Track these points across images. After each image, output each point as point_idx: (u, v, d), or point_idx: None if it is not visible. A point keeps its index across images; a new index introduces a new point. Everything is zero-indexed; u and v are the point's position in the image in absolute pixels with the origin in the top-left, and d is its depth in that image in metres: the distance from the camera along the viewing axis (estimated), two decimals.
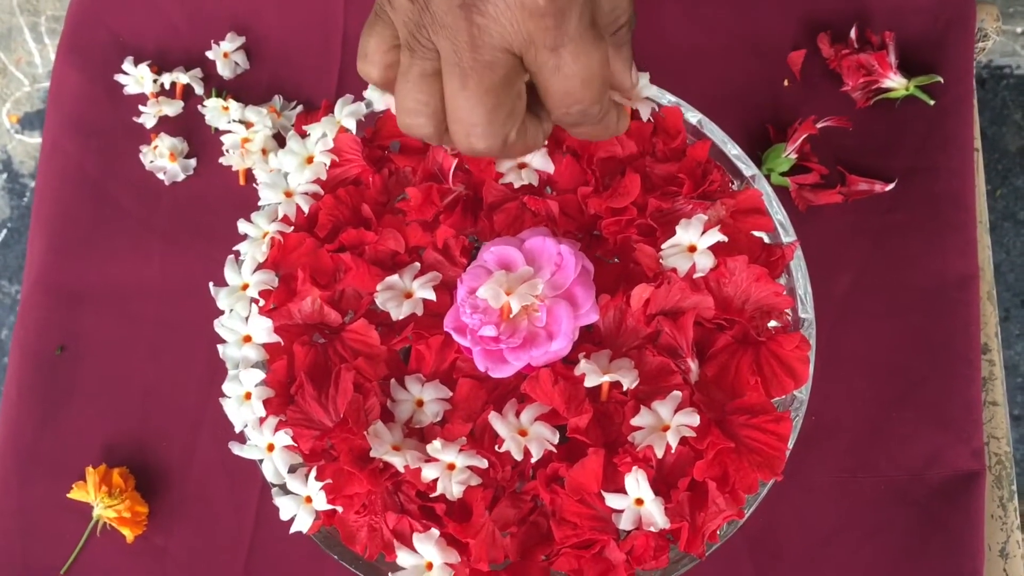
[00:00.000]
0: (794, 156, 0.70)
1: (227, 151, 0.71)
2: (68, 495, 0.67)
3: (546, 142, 0.55)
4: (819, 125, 0.70)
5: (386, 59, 0.48)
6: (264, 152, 0.71)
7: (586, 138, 0.53)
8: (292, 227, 0.58)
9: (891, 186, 0.70)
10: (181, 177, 0.74)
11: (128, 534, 0.67)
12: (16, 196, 1.54)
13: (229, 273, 0.57)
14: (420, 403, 0.55)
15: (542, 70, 0.45)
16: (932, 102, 0.71)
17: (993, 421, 0.69)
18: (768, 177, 0.70)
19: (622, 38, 0.50)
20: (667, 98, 0.59)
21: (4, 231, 1.53)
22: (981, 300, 0.69)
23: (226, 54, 0.75)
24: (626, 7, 0.49)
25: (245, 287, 0.57)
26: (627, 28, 0.50)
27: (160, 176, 0.74)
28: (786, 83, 0.73)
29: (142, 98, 0.75)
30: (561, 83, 0.45)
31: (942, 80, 0.71)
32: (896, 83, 0.71)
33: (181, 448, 0.69)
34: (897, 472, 0.67)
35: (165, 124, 0.75)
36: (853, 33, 0.72)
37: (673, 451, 0.51)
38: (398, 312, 0.55)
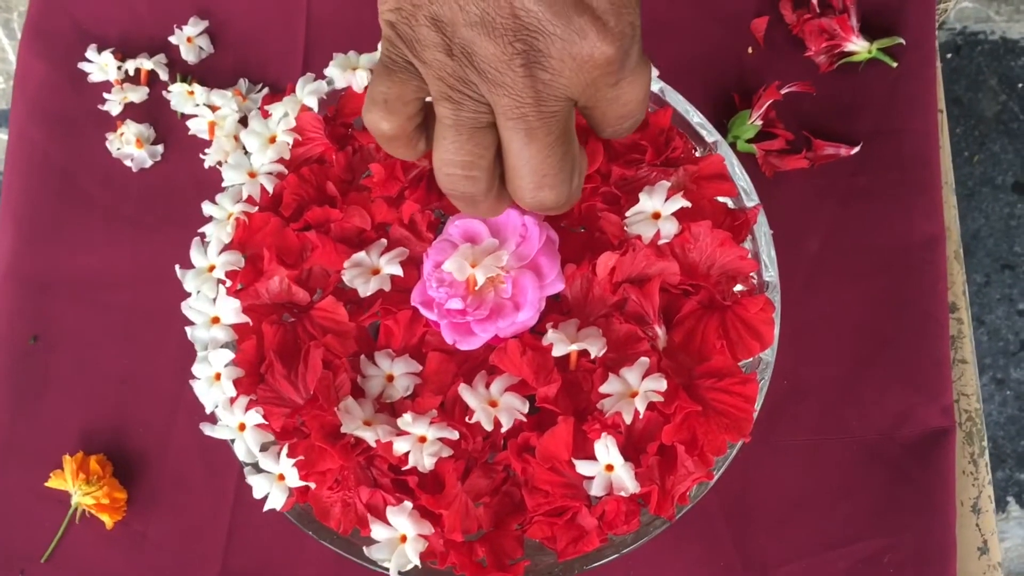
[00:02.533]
0: (759, 123, 0.70)
1: (205, 153, 0.70)
2: (46, 484, 0.67)
3: None
4: (783, 91, 0.70)
5: (409, 110, 0.45)
6: (236, 139, 0.71)
7: (623, 138, 0.52)
8: (257, 207, 0.58)
9: (856, 149, 0.70)
10: (148, 163, 0.73)
11: (107, 520, 0.67)
12: None
13: (195, 255, 0.57)
14: (390, 378, 0.55)
15: (600, 103, 0.44)
16: (895, 64, 0.72)
17: (963, 379, 0.70)
18: (734, 144, 0.71)
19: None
20: None
21: None
22: (948, 259, 0.70)
23: (190, 39, 0.75)
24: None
25: (211, 269, 0.57)
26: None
27: (127, 163, 0.73)
28: (750, 50, 0.73)
29: (107, 85, 0.75)
30: (620, 109, 0.44)
31: (904, 42, 0.71)
32: (858, 46, 0.71)
33: (158, 433, 0.69)
34: (868, 432, 0.67)
35: (131, 111, 0.75)
36: None
37: (641, 416, 0.51)
38: (366, 289, 0.55)
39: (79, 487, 0.66)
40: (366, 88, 0.60)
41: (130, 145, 0.73)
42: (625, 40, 0.41)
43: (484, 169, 0.44)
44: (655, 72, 0.58)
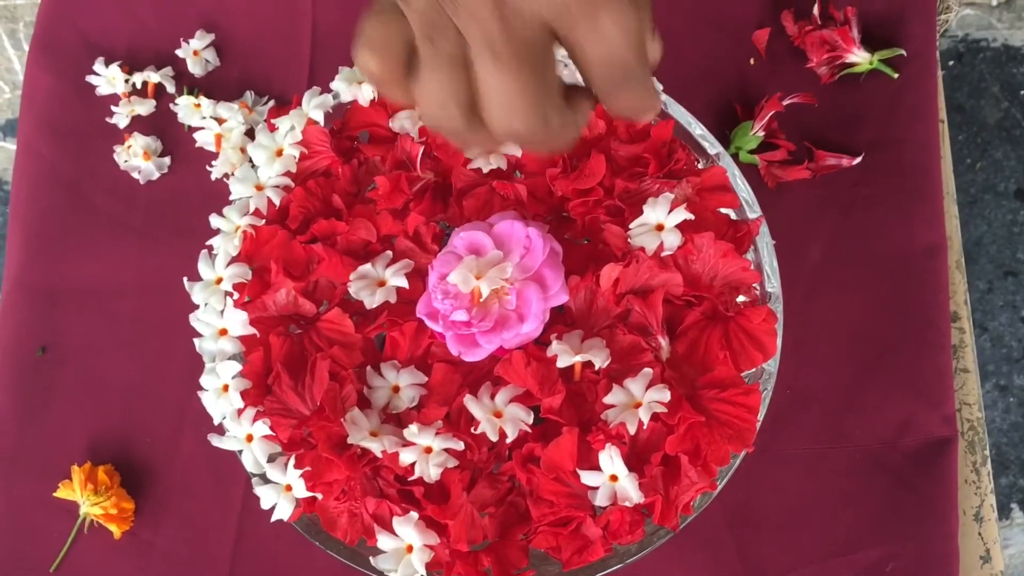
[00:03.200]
0: (762, 134, 0.71)
1: (212, 165, 0.71)
2: (55, 494, 0.68)
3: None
4: (785, 102, 0.70)
5: (394, 49, 0.44)
6: (242, 151, 0.72)
7: (630, 114, 0.47)
8: (264, 220, 0.59)
9: (858, 160, 0.71)
10: (156, 176, 0.74)
11: (115, 530, 0.68)
12: (1, 203, 1.54)
13: (203, 267, 0.58)
14: (396, 389, 0.56)
15: (580, 40, 0.42)
16: (896, 75, 0.72)
17: (965, 388, 0.70)
18: (736, 155, 0.71)
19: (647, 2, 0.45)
20: None
21: None
22: (949, 269, 0.70)
23: (196, 52, 0.76)
24: None
25: (219, 281, 0.57)
26: None
27: (135, 175, 0.74)
28: (752, 61, 0.74)
29: (114, 98, 0.76)
30: (602, 49, 0.42)
31: (905, 53, 0.72)
32: (860, 58, 0.72)
33: (165, 444, 0.70)
34: (871, 441, 0.68)
35: (138, 123, 0.76)
36: (816, 10, 0.73)
37: (645, 427, 0.52)
38: (372, 300, 0.56)
39: (87, 497, 0.67)
40: (371, 102, 0.61)
41: (137, 157, 0.74)
42: None
43: (460, 104, 0.43)
44: (658, 85, 0.59)
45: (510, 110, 0.42)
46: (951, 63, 1.52)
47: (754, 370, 0.56)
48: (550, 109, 0.43)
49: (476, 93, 0.43)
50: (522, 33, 0.41)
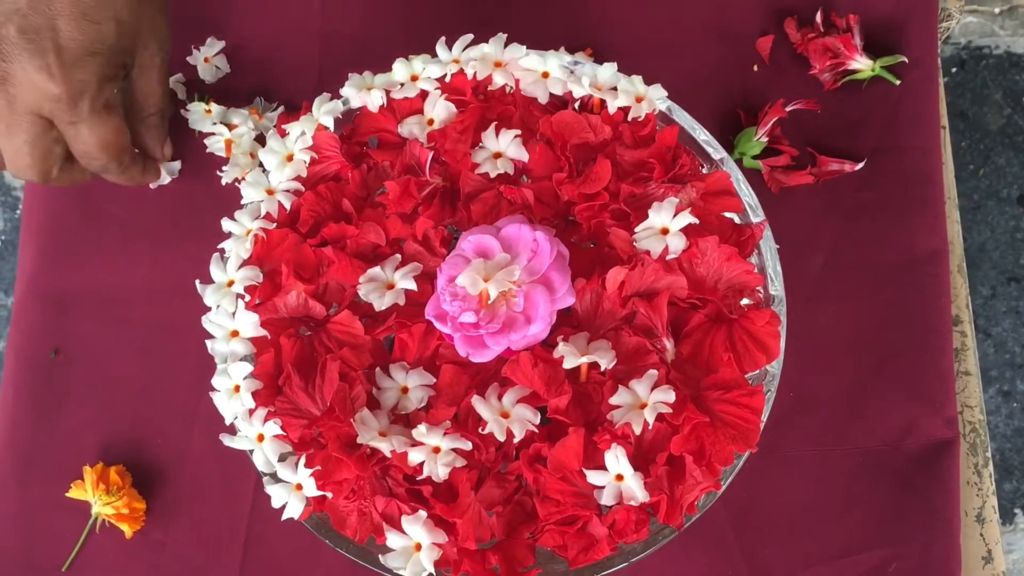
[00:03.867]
0: (765, 139, 0.71)
1: (223, 170, 0.72)
2: (67, 494, 0.69)
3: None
4: (788, 108, 0.71)
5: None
6: (252, 156, 0.72)
7: (117, 182, 0.67)
8: (275, 224, 0.60)
9: (860, 165, 0.72)
10: (167, 180, 0.75)
11: (127, 530, 0.69)
12: (9, 209, 1.55)
13: (215, 270, 0.59)
14: (405, 390, 0.56)
15: (66, 137, 0.60)
16: (898, 82, 0.73)
17: (966, 391, 0.71)
18: (740, 161, 0.72)
19: (153, 122, 0.67)
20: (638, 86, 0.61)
21: None
22: (951, 273, 0.71)
23: (207, 59, 0.77)
24: (156, 100, 0.66)
25: (231, 283, 0.58)
26: (159, 116, 0.67)
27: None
28: (755, 68, 0.75)
29: None
30: (81, 147, 0.60)
31: (907, 60, 0.73)
32: (862, 64, 0.73)
33: (176, 444, 0.71)
34: (874, 443, 0.68)
35: None
36: (819, 17, 0.73)
37: (651, 427, 0.53)
38: (381, 303, 0.57)
39: (99, 497, 0.68)
40: (380, 107, 0.62)
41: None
42: (72, 88, 0.58)
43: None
44: (663, 92, 0.60)
45: (16, 168, 0.61)
46: (954, 70, 1.53)
47: (758, 372, 0.57)
48: (51, 167, 0.61)
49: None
50: (23, 117, 0.59)
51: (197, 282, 0.58)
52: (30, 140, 0.59)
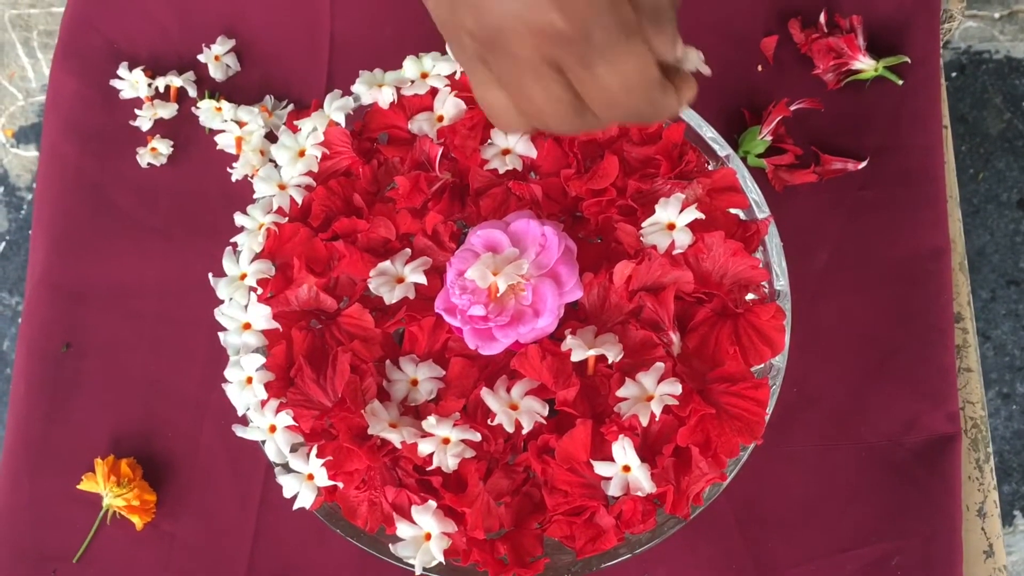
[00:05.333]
0: (769, 138, 0.72)
1: (233, 167, 0.73)
2: (78, 486, 0.69)
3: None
4: (792, 107, 0.72)
5: (511, 114, 0.47)
6: (262, 153, 0.73)
7: (644, 124, 0.52)
8: (287, 218, 0.60)
9: (863, 164, 0.72)
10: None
11: (137, 522, 0.69)
12: (14, 209, 1.55)
13: (227, 264, 0.60)
14: (415, 382, 0.57)
15: (581, 86, 0.43)
16: (900, 82, 0.74)
17: (968, 387, 0.71)
18: (745, 159, 0.73)
19: (662, 15, 0.44)
20: None
21: (3, 244, 1.54)
22: (953, 271, 0.72)
23: (217, 57, 0.78)
24: None
25: (243, 277, 0.59)
26: (669, 9, 0.45)
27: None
28: (760, 68, 0.75)
29: (137, 102, 0.77)
30: (602, 94, 0.43)
31: (909, 61, 0.74)
32: (865, 65, 0.73)
33: (186, 437, 0.71)
34: (876, 438, 0.69)
35: (160, 126, 0.77)
36: (822, 18, 0.74)
37: (657, 419, 0.53)
38: (391, 296, 0.57)
39: (110, 489, 0.68)
40: (391, 104, 0.63)
41: (161, 159, 0.75)
42: (577, 14, 0.40)
43: (505, 114, 0.47)
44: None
45: (535, 118, 0.45)
46: (954, 75, 1.54)
47: (763, 365, 0.58)
48: (566, 112, 0.45)
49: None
50: (529, 70, 0.43)
51: (210, 275, 0.59)
52: (554, 97, 0.44)
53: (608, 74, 0.42)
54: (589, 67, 0.42)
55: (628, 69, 0.43)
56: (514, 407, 0.55)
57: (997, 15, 1.56)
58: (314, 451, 0.56)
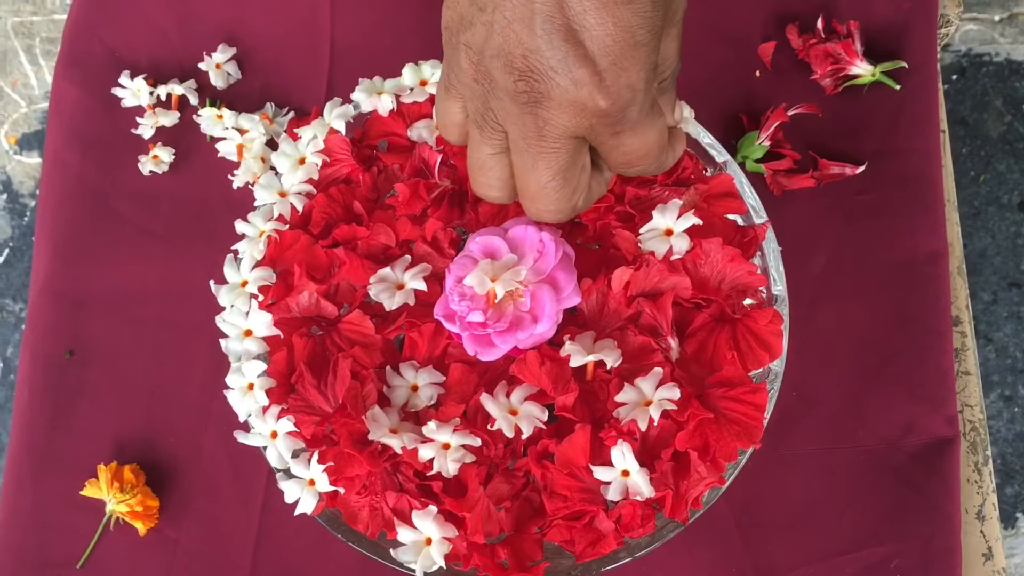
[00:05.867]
0: (767, 143, 0.73)
1: (234, 174, 0.73)
2: (81, 492, 0.70)
3: None
4: (790, 112, 0.72)
5: (462, 128, 0.52)
6: (263, 160, 0.74)
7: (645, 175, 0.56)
8: (287, 225, 0.61)
9: (861, 169, 0.73)
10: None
11: (140, 527, 0.70)
12: (16, 216, 1.56)
13: (228, 271, 0.60)
14: (415, 388, 0.57)
15: (603, 148, 0.49)
16: (898, 87, 0.74)
17: (967, 390, 0.72)
18: (743, 164, 0.73)
19: (666, 86, 0.52)
20: None
21: (6, 250, 1.55)
22: (951, 275, 0.72)
23: (218, 65, 0.78)
24: (672, 62, 0.50)
25: (244, 284, 0.59)
26: (671, 78, 0.52)
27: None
28: (757, 74, 0.76)
29: (139, 110, 0.78)
30: (621, 157, 0.49)
31: (907, 65, 0.74)
32: (863, 70, 0.74)
33: (188, 443, 0.72)
34: (875, 441, 0.69)
35: (162, 134, 0.78)
36: (820, 23, 0.75)
37: (656, 424, 0.53)
38: (391, 303, 0.58)
39: (113, 495, 0.69)
40: (390, 112, 0.63)
41: (163, 166, 0.76)
42: (621, 98, 0.45)
43: (500, 188, 0.51)
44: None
45: (541, 206, 0.50)
46: (954, 77, 1.54)
47: (761, 370, 0.58)
48: (577, 200, 0.51)
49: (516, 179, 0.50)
50: (556, 144, 0.47)
51: (212, 282, 0.60)
52: (561, 171, 0.48)
53: (633, 142, 0.48)
54: (618, 137, 0.48)
55: (650, 138, 0.48)
56: (513, 412, 0.55)
57: (997, 18, 1.56)
58: (315, 457, 0.56)
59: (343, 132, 0.63)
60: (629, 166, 0.50)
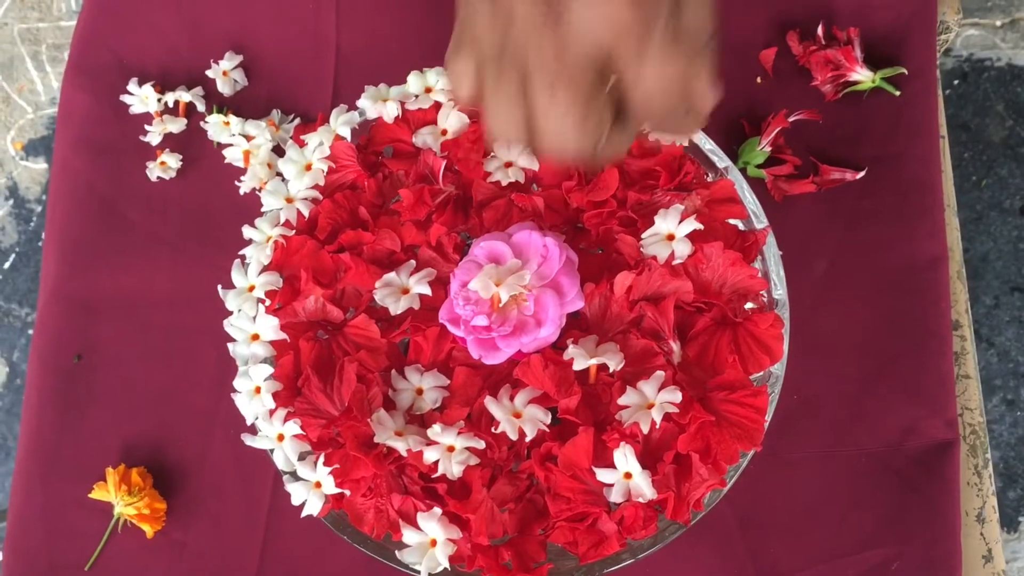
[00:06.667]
0: (768, 149, 0.73)
1: (241, 180, 0.74)
2: (90, 495, 0.70)
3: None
4: (791, 119, 0.73)
5: (474, 80, 0.49)
6: (270, 166, 0.75)
7: (665, 136, 0.56)
8: (294, 231, 0.62)
9: (861, 174, 0.73)
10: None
11: (148, 530, 0.70)
12: (23, 221, 1.57)
13: (236, 276, 0.61)
14: (420, 391, 0.58)
15: (625, 80, 0.46)
16: (897, 93, 0.75)
17: (966, 393, 0.72)
18: (744, 170, 0.74)
19: (702, 47, 0.48)
20: None
21: (12, 256, 1.55)
22: (951, 279, 0.73)
23: (225, 72, 0.79)
24: (708, 23, 0.48)
25: (252, 288, 0.60)
26: (706, 37, 0.48)
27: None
28: (759, 80, 0.76)
29: (147, 116, 0.79)
30: (642, 93, 0.47)
31: (906, 72, 0.75)
32: (863, 76, 0.74)
33: (195, 447, 0.72)
34: (876, 444, 0.70)
35: (170, 140, 0.79)
36: (820, 30, 0.75)
37: (658, 427, 0.54)
38: (396, 307, 0.59)
39: (121, 498, 0.69)
40: (396, 119, 0.64)
41: (172, 171, 0.77)
42: (645, 12, 0.43)
43: (519, 128, 0.48)
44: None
45: (562, 137, 0.47)
46: (956, 82, 1.54)
47: (762, 373, 0.59)
48: (599, 136, 0.48)
49: (532, 117, 0.47)
50: (575, 66, 0.45)
51: (219, 287, 0.60)
52: (581, 98, 0.46)
53: (653, 74, 0.45)
54: (641, 59, 0.45)
55: (671, 72, 0.46)
56: (517, 415, 0.56)
57: (999, 23, 1.57)
58: (321, 459, 0.57)
59: (349, 138, 0.64)
60: (648, 105, 0.47)
